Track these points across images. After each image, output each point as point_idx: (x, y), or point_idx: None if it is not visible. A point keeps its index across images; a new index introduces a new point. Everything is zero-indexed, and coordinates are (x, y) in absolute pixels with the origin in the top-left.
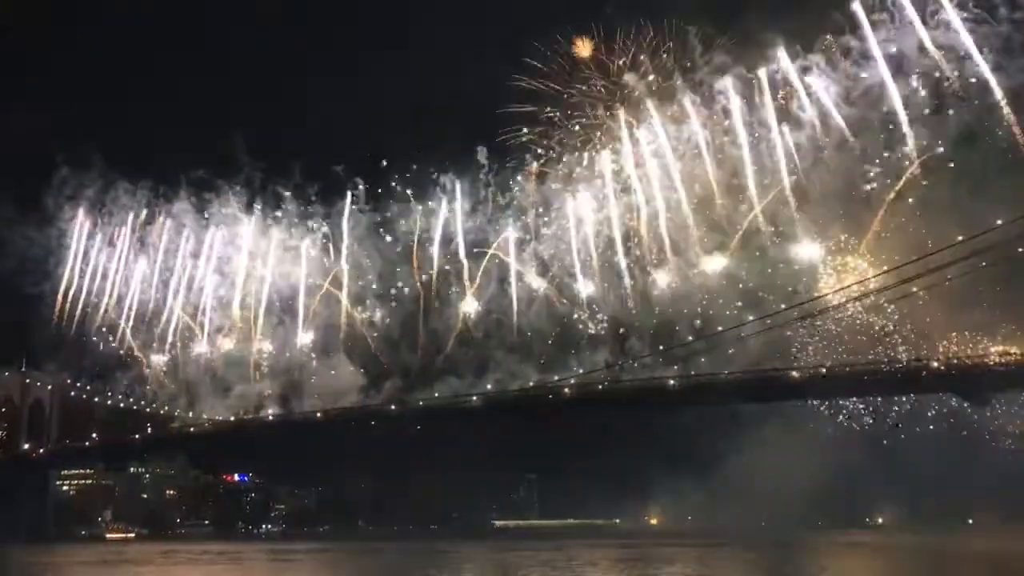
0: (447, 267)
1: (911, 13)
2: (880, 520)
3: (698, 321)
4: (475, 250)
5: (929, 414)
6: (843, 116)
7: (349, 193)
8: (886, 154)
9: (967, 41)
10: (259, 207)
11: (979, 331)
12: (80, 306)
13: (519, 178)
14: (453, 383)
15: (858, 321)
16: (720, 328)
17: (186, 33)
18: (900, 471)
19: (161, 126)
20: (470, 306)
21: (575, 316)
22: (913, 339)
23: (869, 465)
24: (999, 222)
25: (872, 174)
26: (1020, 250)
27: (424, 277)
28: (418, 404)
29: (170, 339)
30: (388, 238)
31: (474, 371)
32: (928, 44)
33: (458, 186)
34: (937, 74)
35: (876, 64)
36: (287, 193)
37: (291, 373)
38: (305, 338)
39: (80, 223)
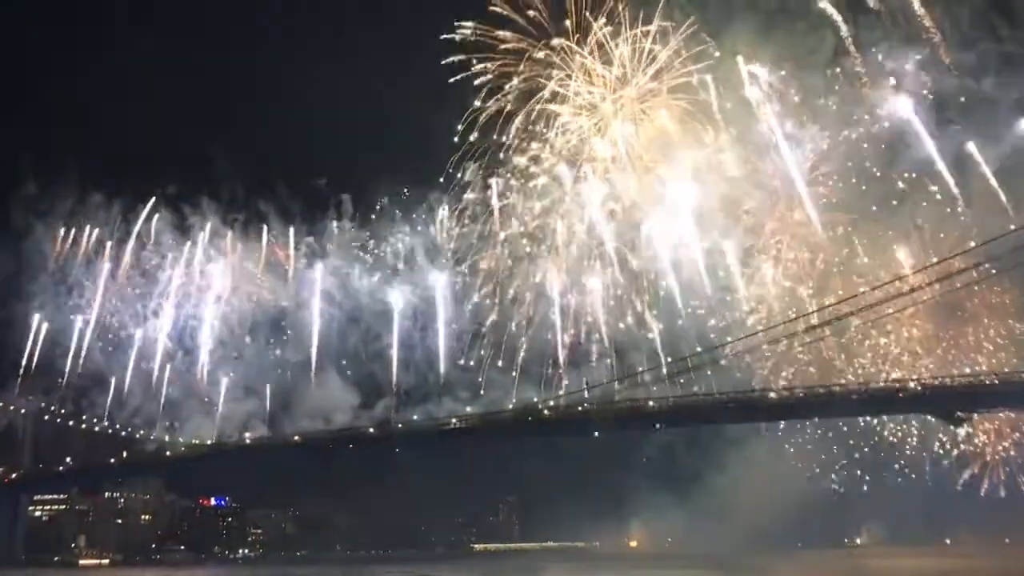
0: (438, 284)
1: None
2: (859, 540)
3: (682, 341)
4: (466, 267)
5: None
6: (841, 136)
7: (333, 211)
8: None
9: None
10: (242, 223)
11: (955, 350)
12: (55, 327)
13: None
14: (447, 403)
15: (840, 341)
16: (699, 348)
17: (164, 43)
18: (881, 492)
19: (138, 140)
20: (462, 325)
21: (566, 336)
22: (890, 359)
23: (849, 486)
24: (972, 244)
25: (865, 188)
26: (994, 271)
27: (415, 295)
28: (397, 427)
29: (150, 360)
30: (375, 255)
31: (469, 391)
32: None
33: (446, 204)
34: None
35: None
36: (270, 209)
37: (279, 394)
38: (293, 357)
39: (53, 240)
